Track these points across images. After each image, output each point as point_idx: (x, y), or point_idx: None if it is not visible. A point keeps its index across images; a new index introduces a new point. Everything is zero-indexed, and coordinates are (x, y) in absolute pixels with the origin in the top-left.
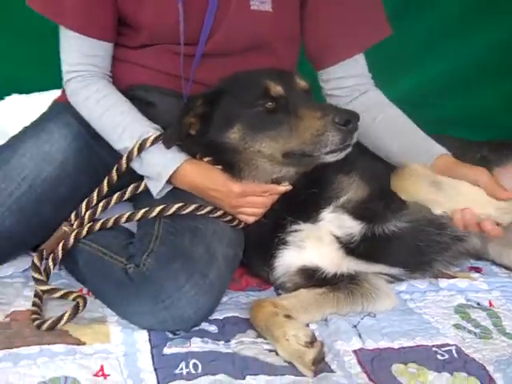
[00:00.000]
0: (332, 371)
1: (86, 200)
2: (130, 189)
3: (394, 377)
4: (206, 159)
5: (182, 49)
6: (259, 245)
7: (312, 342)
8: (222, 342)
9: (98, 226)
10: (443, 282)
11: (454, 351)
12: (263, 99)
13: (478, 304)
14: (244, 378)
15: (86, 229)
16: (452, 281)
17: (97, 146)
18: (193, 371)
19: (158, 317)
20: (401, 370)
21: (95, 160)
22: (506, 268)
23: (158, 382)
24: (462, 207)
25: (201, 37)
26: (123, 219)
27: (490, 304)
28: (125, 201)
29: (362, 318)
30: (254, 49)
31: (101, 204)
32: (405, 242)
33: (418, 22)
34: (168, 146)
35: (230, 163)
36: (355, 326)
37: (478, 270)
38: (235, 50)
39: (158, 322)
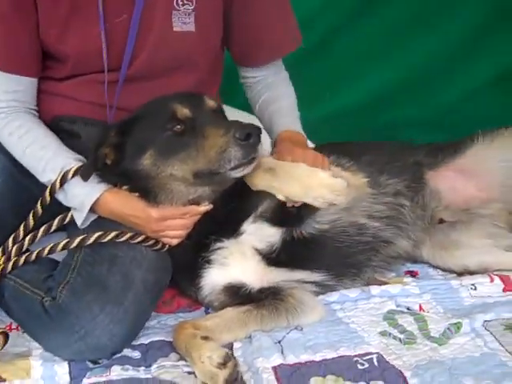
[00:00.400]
0: None
1: (12, 235)
2: (56, 221)
3: None
4: (124, 187)
5: (106, 76)
6: (185, 266)
7: (225, 362)
8: (143, 368)
9: (22, 260)
10: (375, 289)
11: (375, 359)
12: (171, 123)
13: (408, 309)
14: None
15: (10, 264)
16: (384, 287)
17: (24, 179)
18: None
19: (74, 348)
20: (319, 382)
21: (23, 193)
22: (442, 269)
23: None
24: (298, 192)
25: (123, 62)
26: (45, 252)
27: (420, 308)
28: (60, 230)
29: (288, 333)
30: (178, 69)
31: (27, 238)
32: (325, 245)
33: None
34: (85, 178)
35: (146, 189)
36: (279, 342)
37: (414, 273)
38: (158, 72)
39: (75, 352)
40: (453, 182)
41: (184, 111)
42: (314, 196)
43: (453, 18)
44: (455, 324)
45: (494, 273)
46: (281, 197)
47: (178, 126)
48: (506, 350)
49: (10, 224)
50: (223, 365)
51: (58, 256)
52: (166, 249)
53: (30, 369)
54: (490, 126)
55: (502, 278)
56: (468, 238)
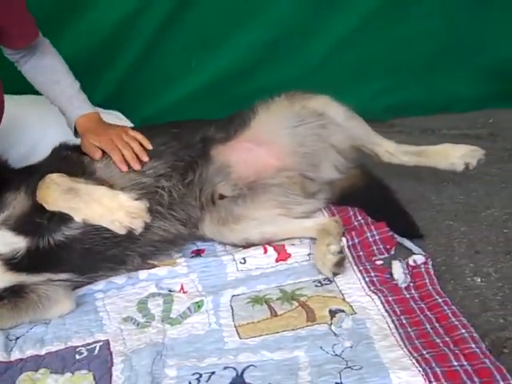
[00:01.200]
0: None
1: None
2: None
3: None
4: None
5: None
6: None
7: None
8: None
9: None
10: (143, 274)
11: (97, 348)
12: None
13: (170, 290)
14: None
15: None
16: (153, 270)
17: None
18: None
19: None
20: (28, 377)
21: None
22: (230, 245)
23: None
24: (96, 214)
25: None
26: None
27: (182, 288)
28: None
29: (32, 328)
30: None
31: None
32: (73, 249)
33: None
34: None
35: None
36: (17, 338)
37: (200, 251)
38: None
39: None
40: (244, 153)
41: None
42: (111, 219)
43: None
44: (197, 303)
45: (274, 244)
46: (78, 219)
47: None
48: (234, 325)
49: None
50: None
51: None
52: None
53: None
54: None
55: (275, 248)
56: (252, 210)
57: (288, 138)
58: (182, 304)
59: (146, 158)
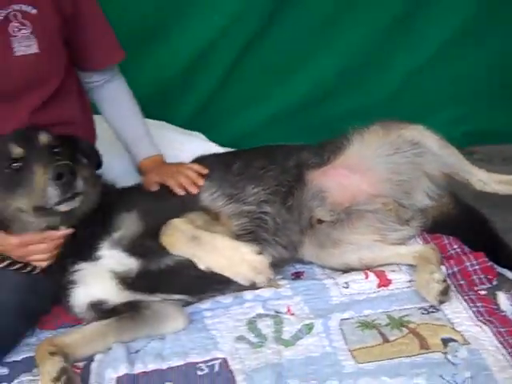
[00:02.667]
0: None
1: None
2: None
3: None
4: None
5: None
6: (57, 286)
7: (59, 377)
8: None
9: None
10: (249, 295)
11: (217, 365)
12: (8, 161)
13: (277, 312)
14: None
15: None
16: (258, 291)
17: None
18: None
19: None
20: None
21: None
22: (328, 268)
23: None
24: (220, 265)
25: None
26: None
27: (289, 310)
28: None
29: (149, 342)
30: (29, 89)
31: None
32: (184, 273)
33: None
34: None
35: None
36: (137, 352)
37: (299, 274)
38: (8, 95)
39: None
40: (339, 178)
41: (17, 150)
42: (235, 271)
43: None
44: (307, 325)
45: (374, 269)
46: (202, 266)
47: (15, 164)
48: (348, 349)
49: None
50: (57, 379)
51: None
52: (37, 271)
53: None
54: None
55: (376, 274)
56: (349, 235)
57: (383, 165)
58: (292, 326)
59: (201, 182)
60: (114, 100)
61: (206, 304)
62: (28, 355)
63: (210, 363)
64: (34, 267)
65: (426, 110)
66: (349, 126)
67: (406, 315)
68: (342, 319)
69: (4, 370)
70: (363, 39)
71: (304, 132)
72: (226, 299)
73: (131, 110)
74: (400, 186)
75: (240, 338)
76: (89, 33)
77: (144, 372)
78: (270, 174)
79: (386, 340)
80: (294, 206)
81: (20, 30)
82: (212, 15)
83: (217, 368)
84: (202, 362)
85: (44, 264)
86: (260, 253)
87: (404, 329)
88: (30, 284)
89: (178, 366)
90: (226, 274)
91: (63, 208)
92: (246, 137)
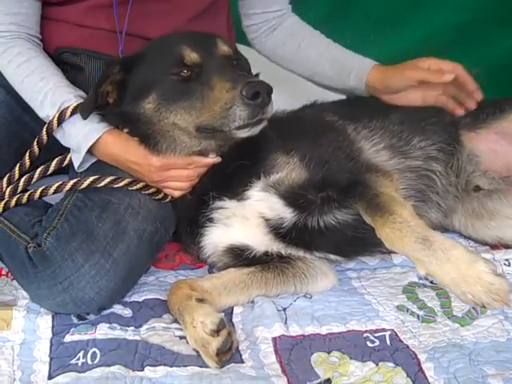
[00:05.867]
0: (242, 361)
1: (7, 175)
2: (54, 162)
3: (312, 367)
4: (124, 130)
5: None
6: (187, 222)
7: (219, 330)
8: (132, 328)
9: (13, 201)
10: (397, 259)
11: (387, 337)
12: (178, 67)
13: (432, 282)
14: (143, 370)
15: (1, 205)
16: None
17: (25, 115)
18: (89, 361)
19: (58, 299)
20: (321, 359)
21: (23, 131)
22: (474, 241)
23: (50, 373)
24: (447, 277)
25: None
26: (37, 194)
27: None
28: (62, 173)
29: (295, 300)
30: None
31: (23, 179)
32: (342, 234)
33: None
34: (84, 115)
35: (147, 135)
36: (284, 310)
37: None
38: None
39: (59, 305)
40: (494, 145)
41: (192, 56)
42: (464, 290)
43: None
44: None
45: None
46: (422, 272)
47: (185, 71)
48: None
49: (9, 161)
50: (216, 332)
51: (55, 200)
52: (167, 200)
53: (11, 320)
54: None
55: None
56: (506, 207)
57: None
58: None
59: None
60: (302, 29)
61: (348, 264)
62: (150, 297)
63: (377, 334)
64: (165, 195)
65: None
66: None
67: None
68: None
69: (127, 312)
70: None
71: None
72: (371, 261)
73: (320, 35)
74: None
75: (401, 309)
76: None
77: (302, 335)
78: (431, 128)
79: None
80: (453, 167)
81: None
82: None
83: (388, 341)
84: (367, 332)
85: (177, 194)
86: (500, 274)
87: None
88: (163, 213)
89: (340, 333)
90: (452, 288)
91: (244, 133)
92: None
